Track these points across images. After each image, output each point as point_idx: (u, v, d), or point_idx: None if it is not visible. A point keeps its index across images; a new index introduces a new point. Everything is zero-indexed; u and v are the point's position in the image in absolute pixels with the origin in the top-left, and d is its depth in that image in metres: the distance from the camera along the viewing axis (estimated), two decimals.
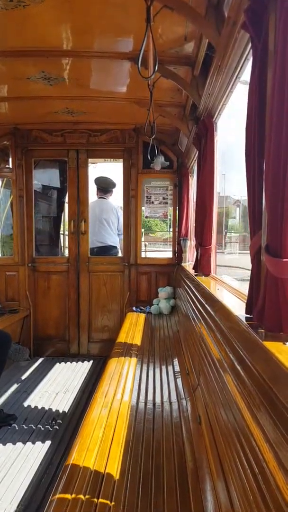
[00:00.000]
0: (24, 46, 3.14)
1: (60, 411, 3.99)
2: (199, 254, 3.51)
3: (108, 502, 1.66)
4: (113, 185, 6.21)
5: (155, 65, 2.20)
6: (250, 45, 1.82)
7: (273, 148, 1.33)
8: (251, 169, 1.61)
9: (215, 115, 3.01)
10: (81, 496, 1.67)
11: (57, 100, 4.42)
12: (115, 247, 6.03)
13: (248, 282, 1.72)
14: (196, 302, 3.13)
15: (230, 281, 3.31)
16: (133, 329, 4.64)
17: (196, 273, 3.65)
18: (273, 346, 1.29)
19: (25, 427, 3.60)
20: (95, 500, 1.66)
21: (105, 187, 6.18)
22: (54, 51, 3.21)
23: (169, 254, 6.00)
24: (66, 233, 6.41)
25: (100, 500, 1.66)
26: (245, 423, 1.37)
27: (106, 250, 5.99)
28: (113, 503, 1.66)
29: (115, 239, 6.05)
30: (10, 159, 5.63)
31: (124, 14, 2.66)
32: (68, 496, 1.67)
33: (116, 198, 6.38)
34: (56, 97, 4.29)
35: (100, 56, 3.31)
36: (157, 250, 11.89)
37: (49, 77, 3.70)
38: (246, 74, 2.29)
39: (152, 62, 2.46)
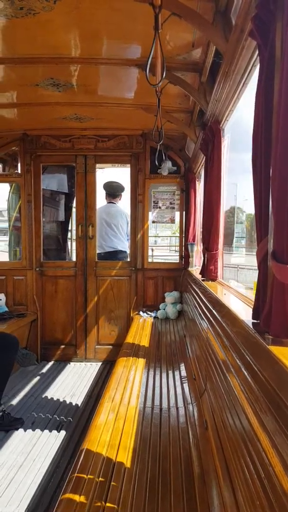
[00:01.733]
0: (34, 53, 3.17)
1: (67, 415, 4.00)
2: (206, 259, 3.51)
3: (115, 506, 1.66)
4: (121, 189, 6.23)
5: (163, 72, 2.23)
6: (257, 52, 1.83)
7: (279, 154, 1.34)
8: (258, 175, 1.62)
9: (222, 121, 3.02)
10: (88, 500, 1.68)
11: (66, 106, 4.46)
12: (125, 251, 6.04)
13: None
14: (203, 307, 3.14)
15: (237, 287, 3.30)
16: (139, 334, 4.64)
17: (203, 278, 3.66)
18: (279, 352, 1.30)
19: (32, 431, 3.61)
20: (102, 504, 1.66)
21: (113, 191, 6.21)
22: (63, 58, 3.25)
23: (176, 259, 6.01)
24: (74, 237, 6.44)
25: (107, 504, 1.67)
26: (251, 428, 1.37)
27: (116, 255, 6.01)
28: (120, 507, 1.66)
29: (124, 244, 6.07)
30: (19, 164, 5.68)
31: (132, 21, 2.68)
32: (75, 499, 1.68)
33: (124, 202, 6.41)
34: (65, 103, 4.33)
35: (108, 62, 3.34)
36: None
37: (57, 83, 3.74)
38: (253, 80, 2.31)
39: (160, 68, 2.49)
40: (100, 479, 1.84)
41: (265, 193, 1.56)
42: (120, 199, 6.31)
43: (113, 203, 6.23)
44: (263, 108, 1.56)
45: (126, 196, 6.24)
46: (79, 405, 4.28)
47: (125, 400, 2.79)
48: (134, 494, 1.77)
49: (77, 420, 3.91)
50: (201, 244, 3.93)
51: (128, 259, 5.98)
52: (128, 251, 6.08)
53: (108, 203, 6.27)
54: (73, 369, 5.46)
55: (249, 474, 1.33)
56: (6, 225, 7.28)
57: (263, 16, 1.54)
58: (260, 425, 1.26)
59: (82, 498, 1.69)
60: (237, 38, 2.09)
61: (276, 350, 1.32)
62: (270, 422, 1.17)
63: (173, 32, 2.79)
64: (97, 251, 6.01)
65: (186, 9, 2.37)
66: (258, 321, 1.63)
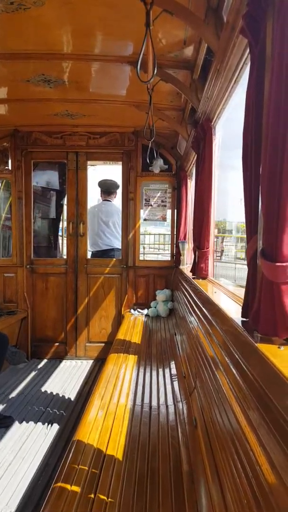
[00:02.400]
0: (25, 49, 3.14)
1: (57, 413, 3.99)
2: (196, 257, 3.51)
3: (104, 504, 1.66)
4: (116, 186, 6.22)
5: (154, 69, 2.21)
6: (248, 50, 1.83)
7: (269, 152, 1.34)
8: (248, 173, 1.62)
9: (214, 119, 3.02)
10: (77, 498, 1.67)
11: (57, 103, 4.43)
12: (120, 249, 6.03)
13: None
14: (193, 305, 3.14)
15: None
16: (130, 332, 4.64)
17: (193, 276, 3.66)
18: (268, 350, 1.30)
19: (22, 429, 3.60)
20: (91, 503, 1.66)
21: (108, 189, 6.19)
22: (54, 54, 3.22)
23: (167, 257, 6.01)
24: (65, 235, 6.41)
25: (96, 502, 1.66)
26: (239, 426, 1.37)
27: (112, 253, 5.99)
28: (108, 505, 1.66)
29: (120, 241, 6.05)
30: (10, 161, 5.64)
31: (124, 17, 2.67)
32: (64, 497, 1.67)
33: (118, 200, 6.39)
34: (56, 99, 4.30)
35: (100, 59, 3.32)
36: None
37: (49, 79, 3.71)
38: (245, 78, 2.30)
39: (151, 66, 2.47)
40: (89, 476, 1.84)
41: (255, 191, 1.56)
42: (115, 196, 6.30)
43: (108, 200, 6.21)
44: (254, 106, 1.56)
45: (119, 193, 6.23)
46: (69, 403, 4.26)
47: (115, 398, 2.78)
48: (123, 492, 1.76)
49: (67, 418, 3.90)
50: (192, 242, 3.93)
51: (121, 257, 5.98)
52: None
53: (103, 200, 6.25)
54: (63, 367, 5.44)
55: (236, 472, 1.34)
56: None
57: (254, 14, 1.54)
58: (248, 423, 1.26)
59: (70, 496, 1.69)
60: (229, 35, 2.08)
61: (264, 348, 1.33)
62: (257, 420, 1.17)
63: (165, 30, 2.78)
64: (93, 249, 6.01)
65: (177, 6, 2.36)
66: (247, 319, 1.63)
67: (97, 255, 5.96)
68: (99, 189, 6.30)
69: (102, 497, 1.71)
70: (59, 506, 1.63)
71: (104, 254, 5.97)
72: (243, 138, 1.67)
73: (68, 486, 1.75)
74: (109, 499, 1.70)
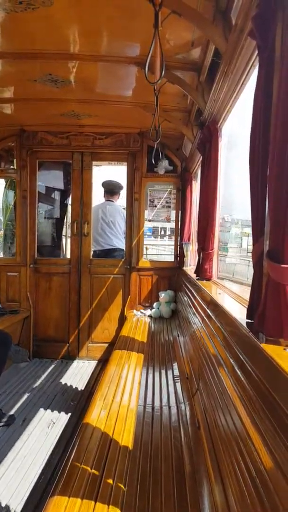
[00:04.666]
0: (32, 49, 3.16)
1: (59, 412, 3.99)
2: (201, 258, 3.51)
3: (106, 504, 1.66)
4: (119, 187, 6.23)
5: (162, 70, 2.22)
6: (256, 52, 1.83)
7: (277, 155, 1.34)
8: (255, 175, 1.62)
9: (220, 121, 3.02)
10: (79, 498, 1.67)
11: (63, 103, 4.44)
12: (123, 249, 6.02)
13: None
14: (197, 306, 3.14)
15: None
16: (133, 332, 4.64)
17: (197, 277, 3.66)
18: (273, 352, 1.30)
19: (24, 428, 3.60)
20: (93, 502, 1.66)
21: (112, 189, 6.21)
22: (61, 54, 3.23)
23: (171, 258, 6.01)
24: (69, 234, 6.42)
25: (98, 502, 1.67)
26: (244, 428, 1.37)
27: (114, 253, 5.99)
28: (110, 505, 1.66)
29: (122, 242, 6.04)
30: (15, 160, 5.65)
31: (133, 18, 2.67)
32: (66, 497, 1.67)
33: (121, 201, 6.40)
34: (62, 99, 4.31)
35: (107, 59, 3.32)
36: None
37: (56, 79, 3.72)
38: (252, 80, 2.31)
39: (159, 67, 2.48)
40: (91, 477, 1.84)
41: (261, 193, 1.56)
42: (118, 198, 6.31)
43: (111, 201, 6.22)
44: (262, 108, 1.56)
45: (123, 194, 6.24)
46: (71, 402, 4.27)
47: (117, 398, 2.78)
48: (125, 492, 1.76)
49: (68, 418, 3.90)
50: (196, 244, 3.93)
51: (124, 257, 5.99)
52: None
53: (106, 200, 6.26)
54: (65, 366, 5.45)
55: (240, 473, 1.34)
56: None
57: (263, 16, 1.54)
58: (253, 425, 1.26)
59: (72, 495, 1.69)
60: (237, 37, 2.09)
61: (270, 349, 1.33)
62: (263, 421, 1.17)
63: (172, 31, 2.79)
64: (95, 249, 6.00)
65: (186, 7, 2.37)
66: (253, 321, 1.63)
67: (99, 255, 5.96)
68: (102, 190, 6.32)
69: (103, 498, 1.71)
70: (61, 506, 1.63)
71: (106, 254, 5.97)
72: (251, 140, 1.67)
73: (69, 487, 1.76)
74: (111, 501, 1.70)
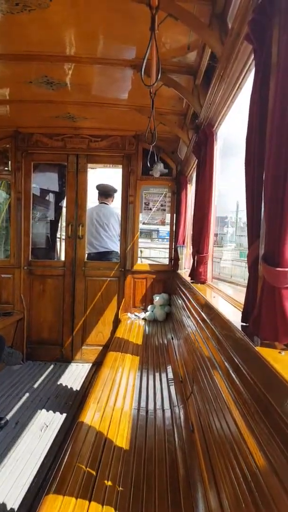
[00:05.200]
0: (28, 50, 3.15)
1: (52, 415, 3.97)
2: (195, 261, 3.51)
3: (99, 507, 1.65)
4: (114, 190, 6.23)
5: (158, 74, 2.22)
6: (252, 56, 1.84)
7: (273, 158, 1.34)
8: (251, 179, 1.62)
9: (216, 125, 3.03)
10: (73, 500, 1.66)
11: (59, 105, 4.44)
12: (117, 252, 6.02)
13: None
14: (192, 309, 3.14)
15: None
16: (127, 335, 4.63)
17: (192, 281, 3.66)
18: (268, 355, 1.30)
19: (16, 431, 3.58)
20: (87, 504, 1.65)
21: (106, 192, 6.21)
22: (57, 56, 3.23)
23: (165, 261, 6.01)
24: (63, 237, 6.40)
25: (91, 505, 1.65)
26: (238, 431, 1.37)
27: (108, 255, 5.99)
28: (104, 509, 1.65)
29: (116, 245, 6.05)
30: (10, 162, 5.64)
31: (129, 21, 2.68)
32: (59, 500, 1.66)
33: (115, 204, 6.40)
34: (58, 101, 4.31)
35: (103, 62, 3.33)
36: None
37: (51, 81, 3.72)
38: (248, 85, 2.32)
39: (155, 70, 2.49)
40: (84, 480, 1.83)
41: (257, 196, 1.56)
42: (112, 200, 6.31)
43: (105, 203, 6.22)
44: (257, 112, 1.57)
45: (117, 197, 6.25)
46: (64, 405, 4.24)
47: (111, 401, 2.77)
48: (119, 496, 1.75)
49: (61, 421, 3.88)
50: (191, 247, 3.94)
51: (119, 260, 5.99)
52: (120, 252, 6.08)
53: (100, 203, 6.25)
54: (58, 369, 5.42)
55: (235, 477, 1.33)
56: None
57: (259, 21, 1.55)
58: (248, 428, 1.26)
59: (66, 499, 1.68)
60: (233, 41, 2.09)
61: (265, 352, 1.33)
62: (258, 425, 1.17)
63: (169, 34, 2.80)
64: (89, 251, 5.99)
65: (183, 11, 2.38)
66: (248, 324, 1.63)
67: (94, 257, 5.94)
68: (96, 192, 6.31)
69: (97, 500, 1.70)
70: (54, 509, 1.62)
71: (101, 256, 5.96)
72: (246, 143, 1.67)
73: (63, 489, 1.74)
74: (105, 503, 1.69)
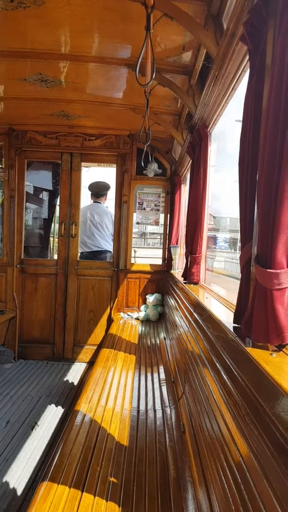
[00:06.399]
0: (23, 48, 3.14)
1: (43, 415, 3.95)
2: (188, 262, 3.51)
3: (89, 509, 1.64)
4: (105, 188, 6.22)
5: (153, 73, 2.22)
6: (247, 57, 1.84)
7: (266, 159, 1.34)
8: (244, 180, 1.62)
9: (210, 125, 3.03)
10: (62, 501, 1.65)
11: (53, 103, 4.42)
12: (110, 251, 6.02)
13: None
14: (184, 310, 3.14)
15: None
16: (120, 335, 4.62)
17: (185, 281, 3.66)
18: (260, 356, 1.30)
19: (7, 430, 3.55)
20: (76, 507, 1.64)
21: (99, 191, 6.19)
22: (52, 54, 3.22)
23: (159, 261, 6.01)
24: (56, 235, 6.38)
25: (80, 508, 1.64)
26: (229, 433, 1.37)
27: (101, 254, 5.98)
28: (94, 509, 1.64)
29: (110, 244, 6.04)
30: (3, 159, 5.60)
31: (124, 20, 2.67)
32: (48, 501, 1.65)
33: (108, 203, 6.39)
34: (53, 99, 4.29)
35: (98, 61, 3.32)
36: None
37: (46, 79, 3.70)
38: (243, 85, 2.32)
39: (149, 69, 2.48)
40: (74, 481, 1.82)
41: (250, 198, 1.56)
42: (105, 199, 6.29)
43: (98, 202, 6.20)
44: (252, 114, 1.57)
45: (111, 196, 6.23)
46: (55, 405, 4.22)
47: (103, 401, 2.76)
48: (108, 497, 1.75)
49: (52, 420, 3.86)
50: (184, 247, 3.93)
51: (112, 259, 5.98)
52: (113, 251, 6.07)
53: (93, 202, 6.24)
54: (50, 368, 5.40)
55: (225, 478, 1.33)
56: None
57: (255, 22, 1.55)
58: (238, 430, 1.26)
59: (54, 501, 1.67)
60: (228, 42, 2.09)
61: (256, 354, 1.32)
62: (248, 426, 1.16)
63: (164, 34, 2.79)
64: (82, 250, 5.97)
65: (178, 11, 2.37)
66: (239, 325, 1.63)
67: (87, 256, 5.93)
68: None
69: (88, 501, 1.69)
70: (44, 510, 1.61)
71: (94, 256, 5.95)
72: (240, 145, 1.67)
73: (53, 489, 1.73)
74: (95, 503, 1.68)
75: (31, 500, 1.70)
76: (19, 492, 2.78)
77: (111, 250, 5.96)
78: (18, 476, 2.94)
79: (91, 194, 6.23)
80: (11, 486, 2.82)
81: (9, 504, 2.65)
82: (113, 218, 5.97)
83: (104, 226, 6.04)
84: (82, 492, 1.74)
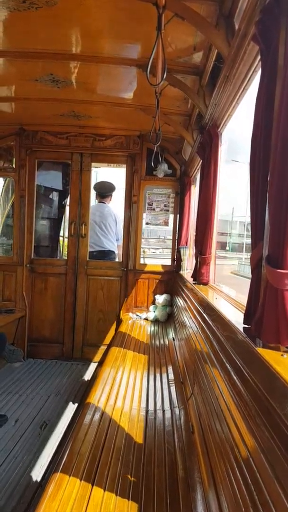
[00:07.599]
0: (34, 48, 3.15)
1: (52, 414, 3.96)
2: (198, 262, 3.51)
3: (98, 509, 1.64)
4: (111, 189, 6.22)
5: (164, 73, 2.22)
6: (259, 57, 1.83)
7: (278, 160, 1.33)
8: (256, 180, 1.61)
9: (221, 126, 3.02)
10: (71, 501, 1.66)
11: (64, 103, 4.44)
12: (114, 252, 6.03)
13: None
14: (194, 310, 3.13)
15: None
16: (128, 335, 4.63)
17: (194, 282, 3.65)
18: (270, 357, 1.29)
19: (16, 429, 3.58)
20: (85, 506, 1.64)
21: (103, 192, 6.20)
22: (63, 54, 3.23)
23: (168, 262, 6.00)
24: (66, 235, 6.40)
25: (89, 506, 1.65)
26: (239, 433, 1.36)
27: (105, 255, 5.98)
28: (102, 510, 1.64)
29: (113, 244, 6.05)
30: (14, 159, 5.64)
31: (135, 21, 2.68)
32: (57, 499, 1.66)
33: (115, 203, 6.40)
34: (63, 100, 4.31)
35: (108, 61, 3.32)
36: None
37: (57, 79, 3.72)
38: (254, 86, 2.31)
39: (160, 70, 2.48)
40: (83, 480, 1.82)
41: (262, 198, 1.56)
42: (110, 200, 6.30)
43: (103, 203, 6.21)
44: (263, 114, 1.56)
45: (118, 196, 6.24)
46: (64, 404, 4.24)
47: (111, 401, 2.77)
48: (117, 496, 1.75)
49: (61, 419, 3.88)
50: (194, 248, 3.93)
51: (116, 259, 5.97)
52: (116, 252, 6.07)
53: (98, 202, 6.25)
54: (59, 367, 5.42)
55: (234, 478, 1.32)
56: None
57: (267, 21, 1.54)
58: (248, 430, 1.25)
59: (64, 499, 1.67)
60: (240, 42, 2.08)
61: (267, 355, 1.32)
62: (258, 427, 1.16)
63: (175, 34, 2.79)
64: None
65: (189, 11, 2.37)
66: (250, 326, 1.62)
67: (89, 256, 5.94)
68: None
69: (97, 498, 1.69)
70: (52, 508, 1.62)
71: (97, 255, 5.95)
72: (251, 145, 1.67)
73: (63, 487, 1.74)
74: (103, 504, 1.68)
75: (40, 497, 1.71)
76: (28, 490, 2.79)
77: (115, 251, 5.97)
78: (27, 474, 2.95)
79: (96, 194, 6.24)
80: (20, 484, 2.84)
81: (18, 501, 2.66)
82: (117, 219, 5.98)
83: (108, 227, 6.04)
84: (91, 490, 1.74)
